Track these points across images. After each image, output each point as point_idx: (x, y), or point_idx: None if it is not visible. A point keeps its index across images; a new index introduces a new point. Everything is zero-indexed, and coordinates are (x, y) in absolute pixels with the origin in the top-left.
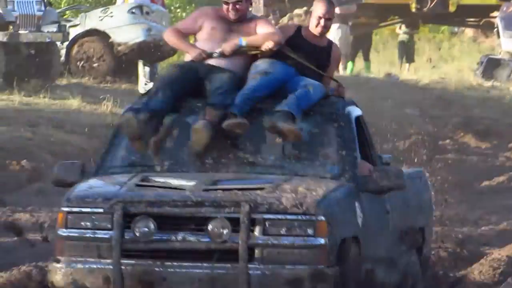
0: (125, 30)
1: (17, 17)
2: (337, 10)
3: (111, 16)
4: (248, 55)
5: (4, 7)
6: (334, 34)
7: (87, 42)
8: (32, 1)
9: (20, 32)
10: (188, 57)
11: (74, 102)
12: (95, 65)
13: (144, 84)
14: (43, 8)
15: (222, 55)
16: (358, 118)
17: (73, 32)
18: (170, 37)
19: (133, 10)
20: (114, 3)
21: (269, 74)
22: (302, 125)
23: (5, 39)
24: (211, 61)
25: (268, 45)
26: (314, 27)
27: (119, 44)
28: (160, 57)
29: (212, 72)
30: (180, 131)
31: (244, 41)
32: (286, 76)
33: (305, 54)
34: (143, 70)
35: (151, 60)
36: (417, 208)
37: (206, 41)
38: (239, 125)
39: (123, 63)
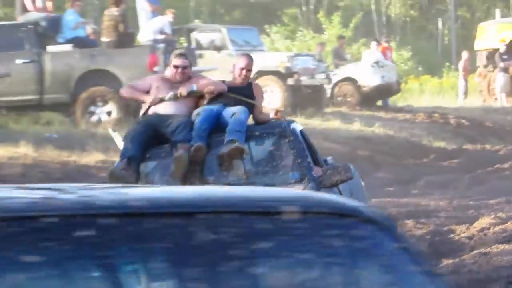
0: (368, 77)
1: (299, 69)
2: (501, 64)
3: (359, 68)
4: (192, 99)
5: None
6: (500, 81)
7: (344, 85)
8: (309, 60)
9: (301, 78)
10: (144, 107)
11: (335, 123)
12: (348, 99)
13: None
14: (316, 63)
15: (175, 97)
16: (301, 132)
17: (334, 78)
18: (126, 92)
19: (373, 64)
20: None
21: (200, 114)
22: (258, 147)
23: (291, 83)
24: (162, 106)
25: (210, 88)
26: (237, 76)
27: (364, 86)
28: (390, 95)
29: (168, 117)
30: (159, 171)
31: (195, 86)
32: (216, 111)
33: (236, 94)
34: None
35: (384, 97)
36: (356, 195)
37: (158, 92)
38: (201, 149)
39: (366, 98)
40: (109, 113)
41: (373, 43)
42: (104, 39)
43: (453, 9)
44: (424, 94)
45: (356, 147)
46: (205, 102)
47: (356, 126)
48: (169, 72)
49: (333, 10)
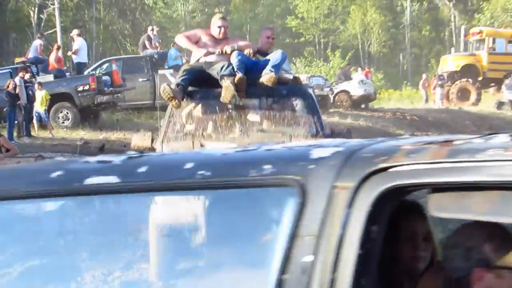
0: (356, 90)
1: (314, 85)
2: (439, 82)
3: (351, 84)
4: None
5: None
6: (438, 93)
7: (341, 94)
8: (320, 79)
9: (315, 90)
10: (195, 55)
11: (335, 118)
12: (344, 103)
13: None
14: (324, 81)
15: (220, 53)
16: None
17: (335, 91)
18: (182, 40)
19: (359, 82)
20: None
21: (239, 56)
22: (284, 103)
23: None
24: (212, 57)
25: (249, 50)
26: (265, 43)
27: (353, 95)
28: (369, 101)
29: (214, 63)
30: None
31: (236, 46)
32: (247, 58)
33: (263, 57)
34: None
35: (366, 102)
36: None
37: (205, 46)
38: (243, 79)
39: (355, 103)
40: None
41: (359, 69)
42: None
43: (409, 48)
44: (390, 101)
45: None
46: None
47: (348, 120)
48: (214, 30)
49: (335, 48)
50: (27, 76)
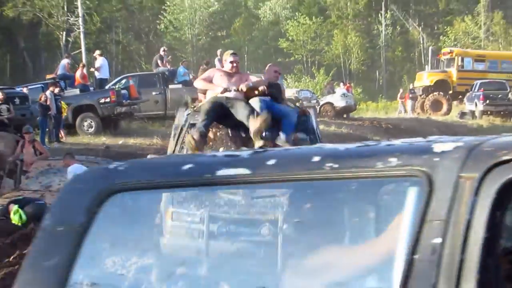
0: (339, 102)
1: (302, 97)
2: (410, 95)
3: (334, 97)
4: (247, 92)
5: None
6: (409, 104)
7: (326, 106)
8: (307, 93)
9: (303, 102)
10: (210, 94)
11: (321, 127)
12: (328, 114)
13: None
14: (311, 94)
15: (236, 91)
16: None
17: (321, 103)
18: (199, 83)
19: (341, 95)
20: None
21: (261, 101)
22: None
23: (298, 105)
24: (229, 94)
25: (262, 88)
26: (272, 77)
27: (337, 107)
28: (350, 111)
29: (234, 100)
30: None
31: (251, 84)
32: (266, 103)
33: (272, 89)
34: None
35: (347, 112)
36: None
37: (220, 82)
38: (268, 117)
39: (338, 113)
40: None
41: (341, 84)
42: None
43: (384, 66)
44: (368, 111)
45: (333, 140)
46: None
47: (332, 128)
48: (226, 65)
49: (320, 66)
50: (56, 90)
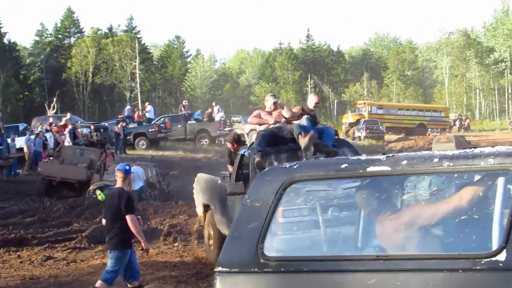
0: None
1: None
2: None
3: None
4: (288, 119)
5: None
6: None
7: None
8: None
9: None
10: (262, 126)
11: None
12: None
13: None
14: None
15: (284, 122)
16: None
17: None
18: (252, 120)
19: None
20: None
21: (304, 121)
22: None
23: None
24: (277, 125)
25: (298, 109)
26: (312, 107)
27: None
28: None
29: (283, 127)
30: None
31: (290, 114)
32: (310, 121)
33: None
34: None
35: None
36: None
37: (266, 118)
38: (315, 135)
39: None
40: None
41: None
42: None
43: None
44: None
45: None
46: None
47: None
48: (269, 105)
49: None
50: (123, 124)
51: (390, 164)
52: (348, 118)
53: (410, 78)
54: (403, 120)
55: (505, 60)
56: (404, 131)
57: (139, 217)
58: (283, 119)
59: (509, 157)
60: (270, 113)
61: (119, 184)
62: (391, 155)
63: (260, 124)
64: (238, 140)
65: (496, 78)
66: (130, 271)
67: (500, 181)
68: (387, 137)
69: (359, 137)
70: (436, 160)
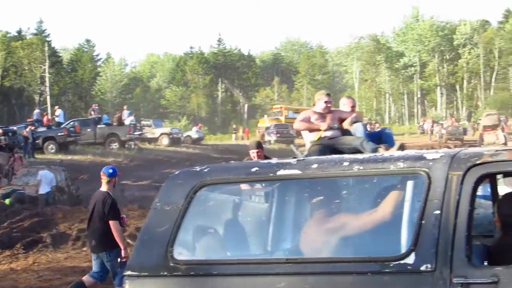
0: (195, 134)
1: None
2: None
3: (193, 131)
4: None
5: None
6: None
7: None
8: None
9: None
10: (312, 134)
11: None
12: None
13: None
14: None
15: (337, 128)
16: None
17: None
18: (299, 125)
19: (196, 131)
20: None
21: (362, 125)
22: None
23: None
24: (330, 132)
25: (350, 119)
26: (351, 111)
27: (194, 137)
28: (196, 142)
29: (340, 139)
30: None
31: (354, 118)
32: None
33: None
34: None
35: None
36: None
37: (317, 123)
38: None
39: (196, 142)
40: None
41: (196, 126)
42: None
43: (220, 114)
44: (210, 140)
45: (191, 157)
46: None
47: (190, 150)
48: (321, 105)
49: (183, 114)
50: (32, 128)
51: (300, 168)
52: (265, 122)
53: (321, 83)
54: None
55: (414, 64)
56: None
57: (124, 216)
58: (336, 124)
59: (418, 161)
60: (322, 115)
61: (103, 187)
62: (301, 158)
63: (310, 130)
64: (261, 144)
65: (406, 83)
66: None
67: (409, 184)
68: (298, 141)
69: (269, 141)
70: (346, 163)
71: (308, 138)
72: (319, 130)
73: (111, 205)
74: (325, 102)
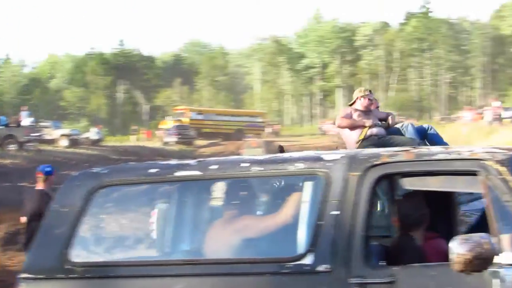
0: (95, 135)
1: None
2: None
3: (91, 132)
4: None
5: None
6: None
7: None
8: None
9: None
10: (355, 135)
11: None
12: None
13: None
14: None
15: (379, 125)
16: None
17: None
18: (344, 122)
19: (97, 132)
20: None
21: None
22: None
23: None
24: (376, 129)
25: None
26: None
27: (94, 138)
28: (96, 143)
29: (390, 138)
30: None
31: (394, 116)
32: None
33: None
34: None
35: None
36: None
37: (360, 119)
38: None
39: (95, 143)
40: None
41: (97, 128)
42: None
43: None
44: (110, 142)
45: (90, 158)
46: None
47: (89, 151)
48: (363, 103)
49: (84, 116)
50: None
51: (200, 169)
52: (167, 123)
53: (222, 84)
54: (222, 126)
55: (315, 66)
56: (223, 136)
57: None
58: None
59: (317, 162)
60: (364, 113)
61: (40, 185)
62: (201, 159)
63: (353, 128)
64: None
65: (307, 84)
66: None
67: (309, 185)
68: (198, 142)
69: (168, 142)
70: (246, 164)
71: (351, 137)
72: (363, 127)
73: (48, 203)
74: (369, 99)
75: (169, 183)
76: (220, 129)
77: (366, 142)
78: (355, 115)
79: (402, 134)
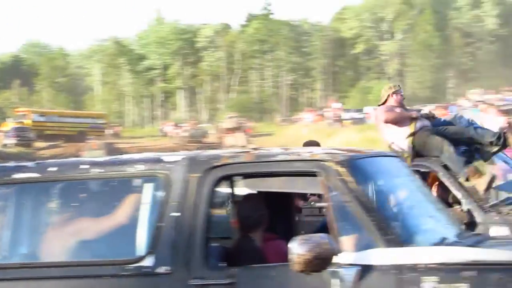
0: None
1: None
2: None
3: None
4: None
5: None
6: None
7: None
8: None
9: None
10: (403, 131)
11: None
12: None
13: None
14: None
15: (427, 116)
16: None
17: None
18: (388, 116)
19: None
20: None
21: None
22: None
23: None
24: (420, 122)
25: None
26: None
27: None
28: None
29: (449, 127)
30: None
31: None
32: None
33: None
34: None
35: None
36: None
37: (405, 112)
38: None
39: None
40: None
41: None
42: None
43: None
44: None
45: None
46: None
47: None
48: (397, 99)
49: None
50: None
51: (39, 171)
52: (8, 125)
53: (62, 85)
54: (64, 128)
55: (156, 67)
56: (65, 138)
57: None
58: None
59: (157, 163)
60: (400, 108)
61: None
62: (40, 161)
63: (398, 123)
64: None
65: (148, 86)
66: None
67: (149, 187)
68: (38, 144)
69: (7, 144)
70: (86, 166)
71: (400, 132)
72: (410, 119)
73: None
74: (401, 94)
75: (6, 186)
76: (62, 131)
77: (421, 133)
78: (396, 110)
79: (454, 125)
